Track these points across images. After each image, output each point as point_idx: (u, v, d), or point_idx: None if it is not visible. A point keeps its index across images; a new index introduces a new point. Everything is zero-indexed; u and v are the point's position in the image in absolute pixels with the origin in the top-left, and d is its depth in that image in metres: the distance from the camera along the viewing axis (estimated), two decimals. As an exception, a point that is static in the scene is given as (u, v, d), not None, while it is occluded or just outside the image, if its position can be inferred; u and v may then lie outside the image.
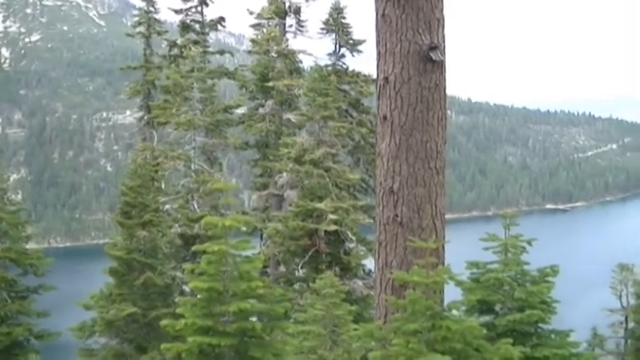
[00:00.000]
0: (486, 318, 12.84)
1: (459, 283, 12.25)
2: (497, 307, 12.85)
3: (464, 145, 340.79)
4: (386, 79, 10.35)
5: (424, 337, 9.87)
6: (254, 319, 12.20)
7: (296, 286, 32.49)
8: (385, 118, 10.39)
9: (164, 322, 11.86)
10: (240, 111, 45.45)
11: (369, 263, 32.48)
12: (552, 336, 12.75)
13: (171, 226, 35.72)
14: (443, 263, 10.65)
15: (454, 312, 10.69)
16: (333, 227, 31.93)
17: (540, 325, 12.68)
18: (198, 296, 11.78)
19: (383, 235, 10.57)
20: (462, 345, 10.00)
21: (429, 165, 10.35)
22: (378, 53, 10.55)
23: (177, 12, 46.81)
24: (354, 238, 33.64)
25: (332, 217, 31.84)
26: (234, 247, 11.38)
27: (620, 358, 60.05)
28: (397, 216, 10.34)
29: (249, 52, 47.35)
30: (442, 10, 10.43)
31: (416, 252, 10.13)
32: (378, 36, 10.52)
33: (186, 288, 30.55)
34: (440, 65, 10.37)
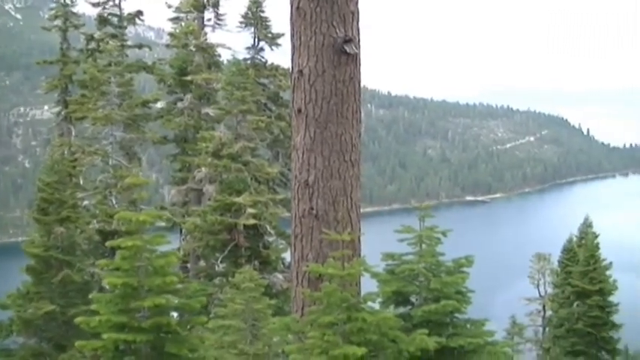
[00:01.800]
0: (402, 309, 12.93)
1: (374, 275, 12.30)
2: (413, 298, 12.94)
3: (384, 139, 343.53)
4: (300, 72, 10.37)
5: (340, 329, 9.90)
6: (175, 314, 12.14)
7: (216, 280, 32.43)
8: (300, 111, 10.40)
9: (79, 319, 11.73)
10: (158, 105, 45.13)
11: (289, 257, 32.49)
12: (468, 325, 12.88)
13: (89, 222, 35.36)
14: (359, 255, 10.72)
15: (370, 303, 10.73)
16: (252, 221, 31.93)
17: (456, 314, 12.79)
18: (116, 292, 11.67)
19: (299, 228, 10.60)
20: (377, 336, 10.06)
21: (344, 158, 10.38)
22: (293, 46, 10.57)
23: (94, 5, 46.26)
24: (273, 231, 33.69)
25: (251, 211, 31.83)
26: (149, 242, 11.28)
27: (538, 346, 61.31)
28: (312, 209, 10.37)
29: (168, 46, 47.00)
30: (357, 3, 10.48)
31: (331, 244, 10.17)
32: (292, 29, 10.53)
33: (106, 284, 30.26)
34: (354, 58, 10.41)
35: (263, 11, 42.14)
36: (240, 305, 20.12)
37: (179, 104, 42.62)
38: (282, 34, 40.90)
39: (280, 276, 33.01)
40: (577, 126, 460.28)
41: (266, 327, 19.46)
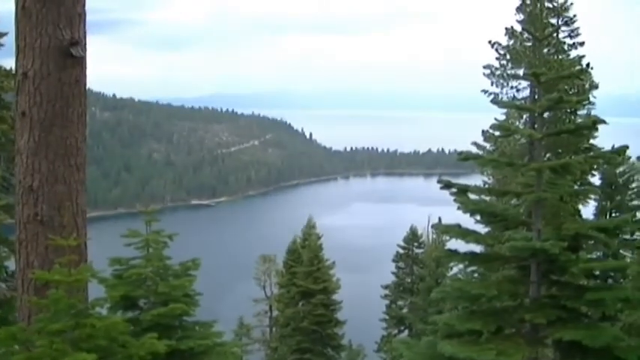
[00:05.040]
0: (131, 313, 12.96)
1: (101, 280, 12.24)
2: (142, 302, 13.00)
3: (108, 142, 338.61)
4: (25, 74, 10.10)
5: (68, 336, 9.74)
6: None
7: None
8: (24, 114, 10.14)
9: None
10: None
11: (12, 264, 31.48)
12: (196, 327, 13.11)
13: None
14: (85, 260, 10.59)
15: (98, 309, 10.63)
16: (-28, 228, 30.70)
17: (184, 317, 12.98)
18: None
19: (23, 235, 10.34)
20: (107, 342, 9.98)
21: (69, 162, 10.22)
22: (18, 48, 10.28)
23: None
24: (-6, 238, 32.50)
25: (-29, 217, 30.59)
26: None
27: (266, 346, 62.68)
28: (37, 214, 10.15)
29: None
30: (84, 5, 10.34)
31: (57, 250, 9.97)
32: (17, 30, 10.26)
33: None
34: (80, 61, 10.28)
35: (-17, 10, 40.54)
36: (-40, 317, 19.36)
37: None
38: (5, 34, 39.51)
39: (3, 285, 31.87)
40: (300, 130, 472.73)
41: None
